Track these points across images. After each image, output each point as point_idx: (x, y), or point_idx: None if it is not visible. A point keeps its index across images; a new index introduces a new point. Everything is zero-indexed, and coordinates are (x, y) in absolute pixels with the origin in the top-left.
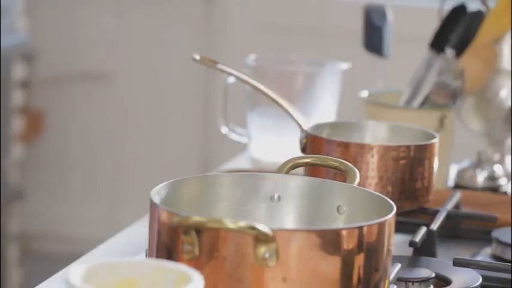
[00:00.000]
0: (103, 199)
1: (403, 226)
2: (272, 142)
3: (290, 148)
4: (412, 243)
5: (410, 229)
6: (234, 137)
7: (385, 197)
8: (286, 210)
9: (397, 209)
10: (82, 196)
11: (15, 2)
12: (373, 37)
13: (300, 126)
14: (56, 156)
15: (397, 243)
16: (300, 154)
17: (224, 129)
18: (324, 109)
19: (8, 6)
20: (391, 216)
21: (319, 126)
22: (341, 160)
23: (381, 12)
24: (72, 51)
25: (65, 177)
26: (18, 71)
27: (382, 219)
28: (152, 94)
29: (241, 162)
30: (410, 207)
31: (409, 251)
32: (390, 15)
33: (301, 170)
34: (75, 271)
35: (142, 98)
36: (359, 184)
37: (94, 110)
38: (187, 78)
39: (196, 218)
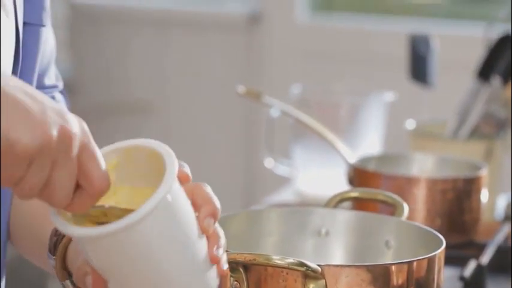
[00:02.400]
0: None
1: (451, 260)
2: (317, 175)
3: (336, 181)
4: (462, 278)
5: (459, 263)
6: (278, 170)
7: (434, 231)
8: (334, 245)
9: (445, 242)
10: None
11: (57, 35)
12: (418, 66)
13: (346, 159)
14: None
15: (446, 278)
16: (346, 187)
17: (268, 163)
18: (369, 140)
19: None
20: (440, 250)
21: (365, 159)
22: (389, 194)
23: (425, 41)
24: (114, 83)
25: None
26: None
27: (432, 254)
28: (194, 125)
29: (286, 195)
30: (459, 240)
31: (458, 286)
32: (435, 44)
33: (347, 203)
34: None
35: (185, 128)
36: (407, 218)
37: None
38: (230, 109)
39: (244, 255)
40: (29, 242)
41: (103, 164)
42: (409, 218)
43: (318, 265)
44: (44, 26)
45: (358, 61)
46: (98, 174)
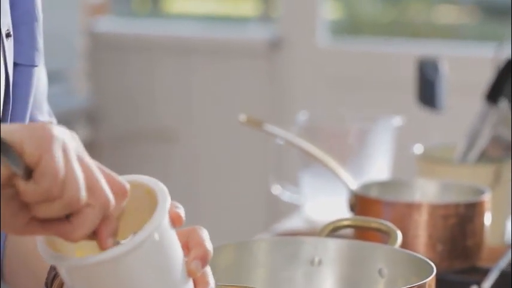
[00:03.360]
0: None
1: (454, 285)
2: (326, 202)
3: (345, 207)
4: None
5: None
6: (285, 197)
7: (425, 259)
8: (326, 275)
9: (447, 267)
10: None
11: (78, 64)
12: (427, 90)
13: (347, 185)
14: None
15: None
16: (349, 215)
17: (275, 190)
18: (377, 166)
19: (69, 68)
20: (430, 278)
21: (367, 186)
22: (382, 221)
23: (433, 65)
24: (138, 111)
25: None
26: (82, 133)
27: (422, 282)
28: (218, 152)
29: (295, 222)
30: (462, 265)
31: None
32: (444, 67)
33: (350, 232)
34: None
35: (207, 156)
36: (402, 245)
37: (159, 169)
38: (254, 135)
39: (231, 287)
40: (25, 280)
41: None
42: (410, 244)
43: None
44: (35, 66)
45: (368, 85)
46: (119, 182)
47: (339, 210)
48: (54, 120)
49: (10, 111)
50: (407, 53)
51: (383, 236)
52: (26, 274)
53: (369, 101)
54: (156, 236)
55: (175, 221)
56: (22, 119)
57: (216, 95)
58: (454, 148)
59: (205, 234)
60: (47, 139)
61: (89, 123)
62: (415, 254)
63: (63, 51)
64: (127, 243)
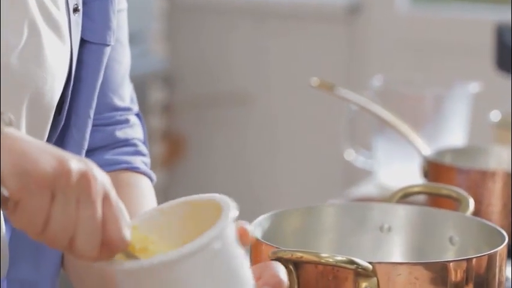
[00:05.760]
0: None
1: None
2: (399, 168)
3: (418, 174)
4: None
5: None
6: (359, 163)
7: (498, 227)
8: (395, 241)
9: None
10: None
11: (155, 26)
12: (505, 56)
13: (421, 152)
14: (198, 181)
15: None
16: (421, 181)
17: (348, 155)
18: (452, 133)
19: (145, 30)
20: (502, 247)
21: (441, 152)
22: (453, 188)
23: None
24: (213, 74)
25: None
26: (159, 95)
27: (493, 251)
28: (293, 116)
29: (368, 188)
30: None
31: None
32: None
33: (422, 199)
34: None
35: (282, 120)
36: (475, 214)
37: (235, 133)
38: (329, 100)
39: (291, 252)
40: (90, 279)
41: (124, 220)
42: (484, 213)
43: (370, 262)
44: (107, 45)
45: (444, 50)
46: (115, 228)
47: (412, 176)
48: (136, 107)
49: (71, 90)
50: (485, 18)
51: (456, 204)
52: (92, 273)
53: (446, 67)
54: (217, 245)
55: (242, 236)
56: (87, 100)
57: (292, 60)
58: None
59: (281, 268)
60: (38, 181)
61: (165, 86)
62: (487, 222)
63: (140, 13)
64: (182, 248)
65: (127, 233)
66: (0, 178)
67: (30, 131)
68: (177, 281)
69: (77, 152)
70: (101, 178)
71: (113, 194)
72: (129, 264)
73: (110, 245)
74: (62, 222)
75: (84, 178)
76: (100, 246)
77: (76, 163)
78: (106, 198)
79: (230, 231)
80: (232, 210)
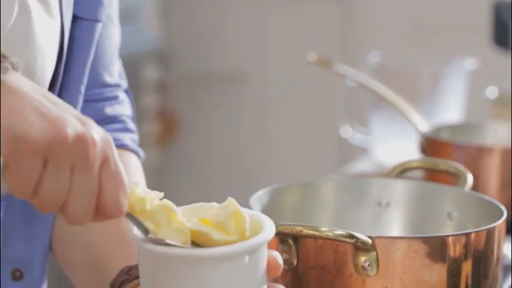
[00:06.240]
0: (241, 201)
1: None
2: (396, 144)
3: (415, 151)
4: None
5: None
6: (355, 140)
7: (496, 202)
8: (394, 217)
9: None
10: (220, 200)
11: (149, 3)
12: (502, 33)
13: (418, 128)
14: (193, 159)
15: None
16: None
17: (344, 132)
18: (450, 109)
19: (139, 7)
20: (500, 222)
21: (438, 128)
22: (451, 163)
23: (509, 7)
24: (208, 53)
25: (201, 181)
26: (153, 74)
27: (491, 226)
28: (288, 95)
29: (364, 164)
30: None
31: None
32: None
33: (420, 175)
34: None
35: (278, 98)
36: (471, 189)
37: (230, 111)
38: (326, 78)
39: (291, 226)
40: (85, 275)
41: (123, 189)
42: (482, 189)
43: (369, 237)
44: (98, 21)
45: (441, 27)
46: (111, 197)
47: (410, 153)
48: (125, 83)
49: (63, 66)
50: None
51: (454, 179)
52: (88, 268)
53: (442, 43)
54: (247, 259)
55: (271, 266)
56: (78, 76)
57: (288, 37)
58: None
59: None
60: (29, 147)
61: (160, 64)
62: (485, 196)
63: None
64: (220, 248)
65: (124, 201)
66: None
67: None
68: (213, 276)
69: None
70: (101, 141)
71: (113, 158)
72: (161, 249)
73: (105, 213)
74: (53, 188)
75: (81, 143)
76: (94, 212)
77: (73, 126)
78: (105, 163)
79: (263, 249)
80: (273, 231)
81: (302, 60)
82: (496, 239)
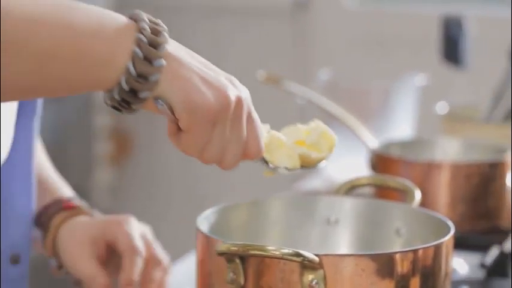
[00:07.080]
0: (193, 219)
1: (475, 247)
2: (347, 161)
3: (365, 167)
4: (483, 265)
5: (484, 249)
6: None
7: (444, 218)
8: (343, 234)
9: (468, 228)
10: (175, 218)
11: None
12: (451, 48)
13: (368, 145)
14: (146, 177)
15: (472, 265)
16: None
17: None
18: (400, 125)
19: None
20: (448, 238)
21: (388, 145)
22: (399, 180)
23: (458, 23)
24: None
25: (155, 199)
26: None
27: (439, 242)
28: None
29: (315, 181)
30: (483, 226)
31: (483, 273)
32: (468, 25)
33: (370, 192)
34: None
35: None
36: (423, 206)
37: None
38: (276, 95)
39: (237, 245)
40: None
41: (262, 133)
42: (431, 204)
43: (316, 255)
44: None
45: (394, 44)
46: (255, 143)
47: (361, 170)
48: None
49: None
50: (431, 11)
51: (403, 196)
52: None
53: (392, 60)
54: None
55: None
56: None
57: (239, 55)
58: (478, 107)
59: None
60: (205, 115)
61: None
62: (433, 213)
63: None
64: None
65: (263, 145)
66: (173, 110)
67: None
68: None
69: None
70: (246, 97)
71: (252, 109)
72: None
73: (249, 156)
74: (218, 146)
75: (239, 105)
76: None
77: (232, 90)
78: (249, 116)
79: None
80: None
81: (252, 78)
82: (443, 254)
